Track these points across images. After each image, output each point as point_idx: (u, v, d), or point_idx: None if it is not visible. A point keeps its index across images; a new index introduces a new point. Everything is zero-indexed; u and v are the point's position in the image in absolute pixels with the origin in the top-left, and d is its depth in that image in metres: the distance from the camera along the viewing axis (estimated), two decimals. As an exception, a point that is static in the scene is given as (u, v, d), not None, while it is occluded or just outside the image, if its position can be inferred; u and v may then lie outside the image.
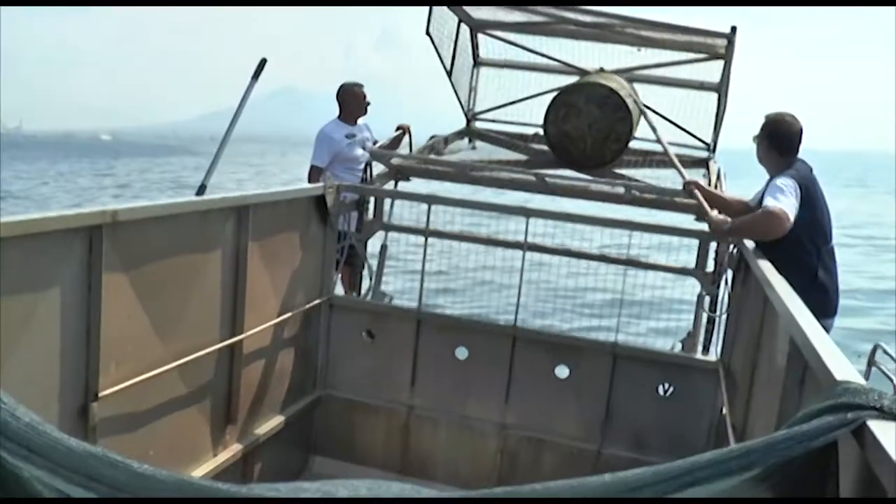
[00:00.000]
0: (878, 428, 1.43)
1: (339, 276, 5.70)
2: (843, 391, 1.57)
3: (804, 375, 2.37)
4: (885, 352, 3.40)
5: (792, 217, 4.19)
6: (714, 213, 4.69)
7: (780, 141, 4.58)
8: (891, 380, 3.20)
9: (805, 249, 4.36)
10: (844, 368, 1.89)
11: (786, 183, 4.30)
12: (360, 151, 6.40)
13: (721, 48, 6.01)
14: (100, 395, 3.19)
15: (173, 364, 3.65)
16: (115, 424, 3.34)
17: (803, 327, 2.38)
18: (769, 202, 4.22)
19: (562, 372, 5.11)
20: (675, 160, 5.29)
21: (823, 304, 4.31)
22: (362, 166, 6.23)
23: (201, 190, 4.06)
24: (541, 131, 6.94)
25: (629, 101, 5.51)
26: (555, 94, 5.84)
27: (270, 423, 4.79)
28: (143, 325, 3.46)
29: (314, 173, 6.34)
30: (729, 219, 4.50)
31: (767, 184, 4.51)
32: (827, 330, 4.24)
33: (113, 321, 3.22)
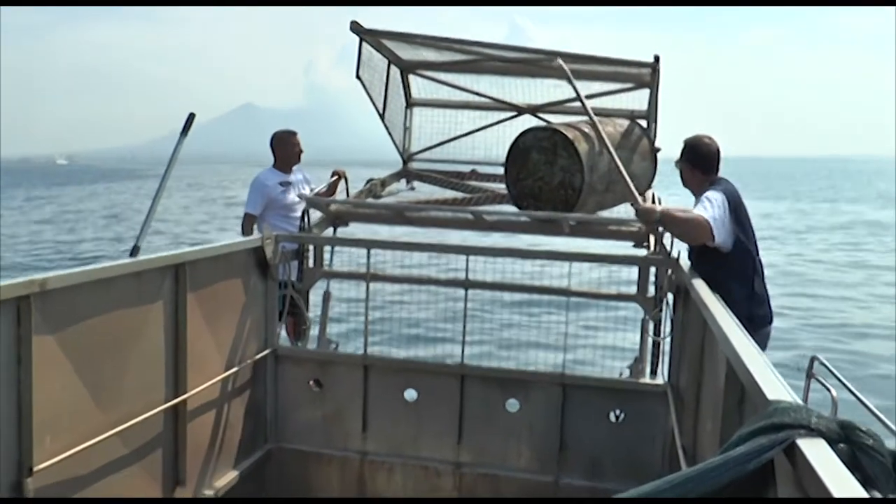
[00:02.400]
0: (807, 445, 1.45)
1: (284, 326, 5.64)
2: (773, 411, 1.60)
3: (742, 396, 2.40)
4: (823, 363, 3.44)
5: (715, 231, 4.36)
6: (646, 203, 4.83)
7: (701, 161, 4.80)
8: (829, 391, 3.23)
9: (744, 263, 4.55)
10: (776, 387, 1.92)
11: (715, 196, 4.48)
12: (294, 198, 6.38)
13: (647, 76, 6.13)
14: (34, 469, 3.10)
15: (114, 430, 3.56)
16: (53, 497, 3.24)
17: (737, 348, 2.41)
18: (699, 210, 4.41)
19: (512, 406, 5.11)
20: (628, 180, 5.33)
21: (763, 314, 4.58)
22: (298, 213, 6.22)
23: (135, 251, 3.99)
24: (478, 168, 7.03)
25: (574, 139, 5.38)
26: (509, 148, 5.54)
27: (222, 481, 4.71)
28: (80, 394, 3.38)
29: (248, 221, 6.33)
30: (658, 207, 4.63)
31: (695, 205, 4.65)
32: (767, 338, 4.50)
33: (46, 393, 3.14)
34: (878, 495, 1.38)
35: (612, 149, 5.37)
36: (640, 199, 4.83)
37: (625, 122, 6.00)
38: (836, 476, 1.35)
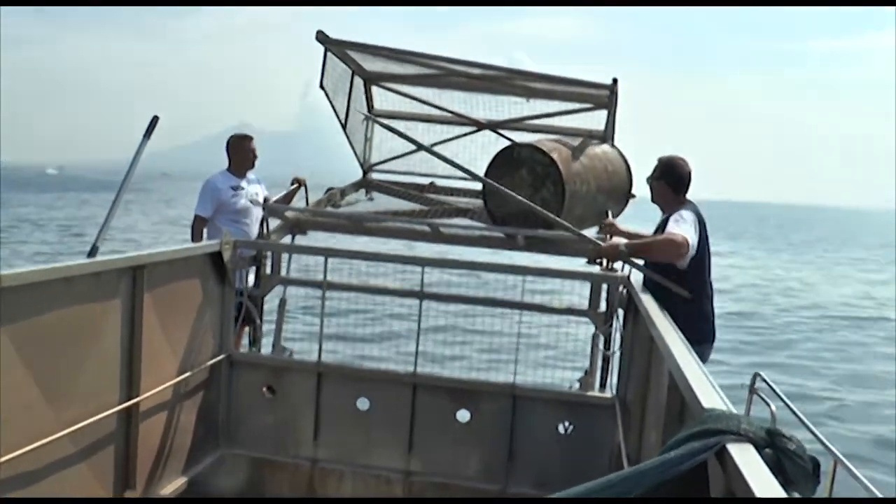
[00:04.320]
0: (736, 450, 1.55)
1: (239, 332, 5.65)
2: (707, 418, 1.70)
3: (683, 406, 2.50)
4: (764, 379, 3.59)
5: (692, 245, 4.52)
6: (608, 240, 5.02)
7: (675, 181, 4.93)
8: (769, 405, 3.37)
9: (697, 281, 4.73)
10: (711, 397, 2.02)
11: (688, 216, 4.66)
12: (245, 203, 6.36)
13: (605, 98, 6.27)
14: None
15: (66, 431, 3.56)
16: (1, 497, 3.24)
17: (679, 362, 2.52)
18: (673, 228, 4.54)
19: (463, 416, 5.18)
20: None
21: (708, 331, 4.79)
22: (248, 219, 6.21)
23: (93, 252, 3.99)
24: (436, 181, 7.12)
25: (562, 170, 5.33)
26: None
27: (172, 486, 4.70)
28: (33, 393, 3.38)
29: (198, 223, 6.29)
30: (622, 240, 4.72)
31: (665, 220, 4.82)
32: (707, 355, 4.66)
33: None
34: (797, 496, 1.49)
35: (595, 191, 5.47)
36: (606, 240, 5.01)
37: (616, 160, 6.09)
38: (760, 478, 1.45)
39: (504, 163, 5.45)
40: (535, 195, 5.33)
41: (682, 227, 4.56)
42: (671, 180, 4.92)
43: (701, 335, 4.58)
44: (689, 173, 4.95)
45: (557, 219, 5.17)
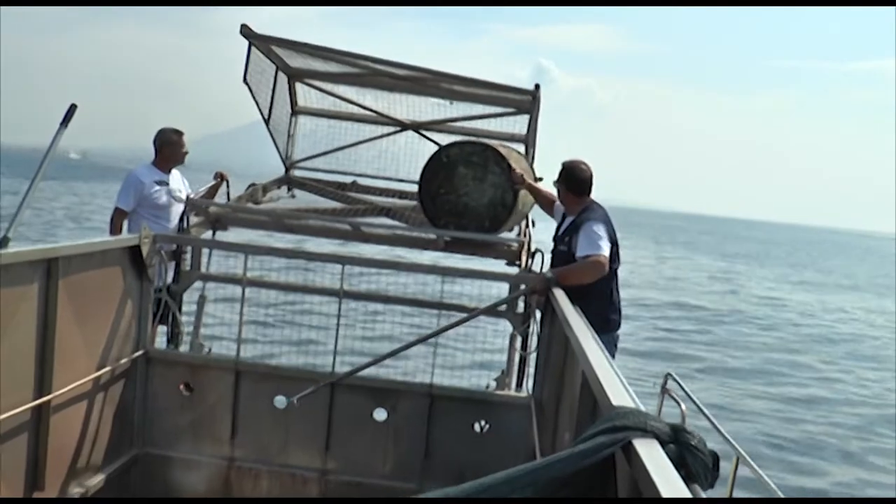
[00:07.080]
0: (641, 445, 1.64)
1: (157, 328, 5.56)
2: (615, 415, 1.79)
3: (595, 405, 2.60)
4: (675, 380, 3.73)
5: (607, 259, 4.86)
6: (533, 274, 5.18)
7: (577, 185, 5.16)
8: (679, 404, 3.50)
9: (607, 276, 4.96)
10: (620, 395, 2.12)
11: (601, 232, 4.90)
12: (167, 200, 6.22)
13: (527, 103, 6.39)
14: None
15: None
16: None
17: (592, 362, 2.62)
18: (594, 252, 4.81)
19: (380, 415, 5.21)
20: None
21: (617, 320, 5.12)
22: (169, 215, 6.10)
23: (4, 242, 3.85)
24: (358, 180, 7.15)
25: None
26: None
27: (84, 487, 4.58)
28: None
29: (117, 216, 6.12)
30: (547, 274, 4.93)
31: (574, 221, 5.06)
32: (616, 340, 5.03)
33: None
34: (698, 488, 1.58)
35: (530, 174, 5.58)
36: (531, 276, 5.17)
37: (522, 160, 6.20)
38: (662, 472, 1.53)
39: (438, 169, 5.44)
40: (485, 184, 5.37)
41: (600, 245, 4.83)
42: (571, 184, 5.16)
43: (611, 324, 5.04)
44: (590, 177, 5.18)
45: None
